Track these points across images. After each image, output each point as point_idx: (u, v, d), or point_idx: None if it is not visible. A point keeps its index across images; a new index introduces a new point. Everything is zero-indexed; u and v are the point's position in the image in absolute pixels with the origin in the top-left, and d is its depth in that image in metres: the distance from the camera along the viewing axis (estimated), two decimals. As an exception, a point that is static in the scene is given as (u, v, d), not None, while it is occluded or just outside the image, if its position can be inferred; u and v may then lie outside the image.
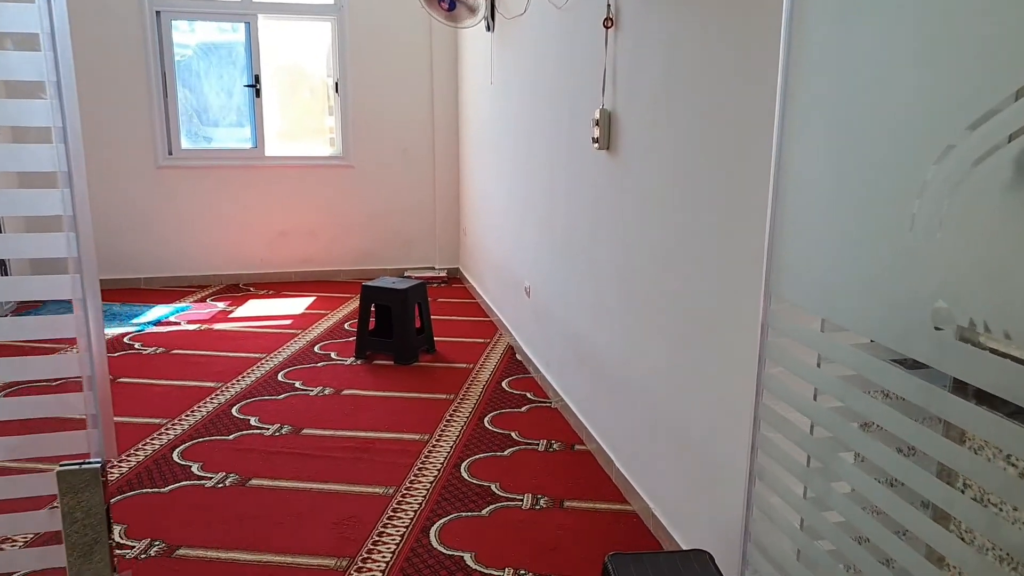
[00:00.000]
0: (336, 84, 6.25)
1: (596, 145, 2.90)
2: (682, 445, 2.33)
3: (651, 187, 2.49)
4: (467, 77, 5.96)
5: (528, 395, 3.82)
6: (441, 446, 3.21)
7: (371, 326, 4.56)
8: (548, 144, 3.75)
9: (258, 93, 6.09)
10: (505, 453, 3.14)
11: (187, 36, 6.05)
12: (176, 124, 6.04)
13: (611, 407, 2.95)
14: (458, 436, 3.31)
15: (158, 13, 5.83)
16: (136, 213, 6.05)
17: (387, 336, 4.44)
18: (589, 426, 3.21)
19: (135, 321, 5.13)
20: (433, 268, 6.65)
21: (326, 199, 6.39)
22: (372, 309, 4.47)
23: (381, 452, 3.16)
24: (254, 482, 2.90)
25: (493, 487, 2.85)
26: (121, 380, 4.00)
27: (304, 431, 3.38)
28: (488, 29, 4.95)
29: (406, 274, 6.46)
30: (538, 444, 3.23)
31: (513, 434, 3.33)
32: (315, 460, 3.09)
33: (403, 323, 4.33)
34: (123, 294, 5.86)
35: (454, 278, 6.61)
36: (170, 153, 6.06)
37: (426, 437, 3.31)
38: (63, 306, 5.39)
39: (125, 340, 4.69)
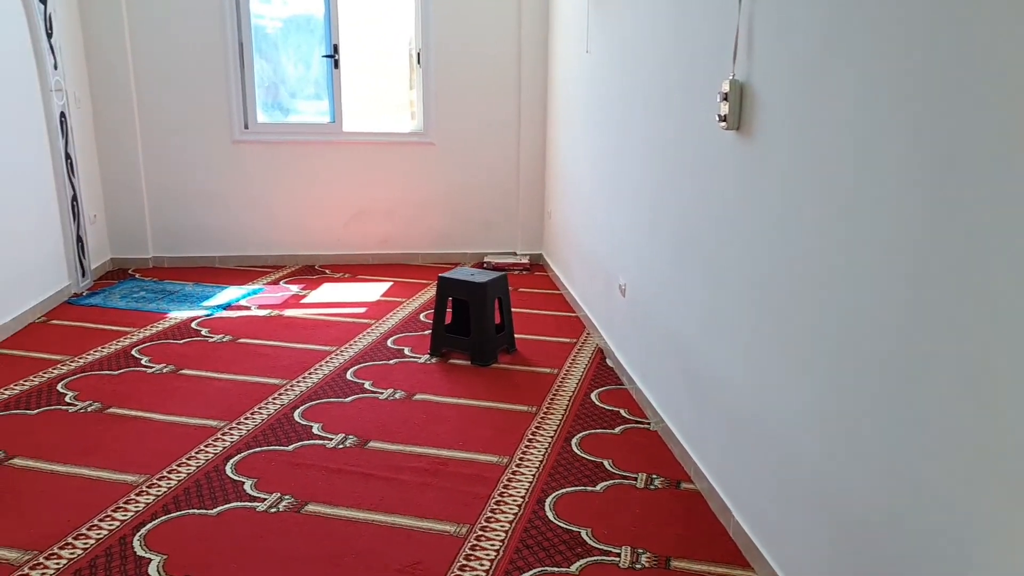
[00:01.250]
0: (419, 56, 5.85)
1: (723, 124, 2.39)
2: (838, 521, 1.83)
3: (806, 181, 1.97)
4: (559, 46, 5.46)
5: (622, 412, 3.35)
6: (522, 474, 2.79)
7: (448, 319, 4.17)
8: (654, 121, 3.24)
9: (336, 64, 5.75)
10: (597, 488, 2.70)
11: (265, 7, 5.76)
12: (253, 97, 5.77)
13: (729, 443, 2.46)
14: (542, 462, 2.88)
15: (236, -20, 5.54)
16: (212, 189, 5.83)
17: (464, 333, 4.05)
18: (698, 460, 2.72)
19: (205, 304, 4.90)
20: (515, 254, 6.23)
21: (405, 177, 6.03)
22: (449, 302, 4.08)
23: (453, 477, 2.77)
24: (310, 508, 2.55)
25: (584, 534, 2.41)
26: (183, 372, 3.74)
27: (370, 444, 3.01)
28: (585, -7, 4.44)
29: (486, 260, 6.05)
30: (636, 479, 2.76)
31: (606, 463, 2.87)
32: (380, 483, 2.72)
33: (481, 320, 3.92)
34: (198, 273, 5.67)
35: (537, 265, 6.16)
36: (246, 127, 5.80)
37: (505, 460, 2.89)
38: (137, 285, 5.22)
39: (192, 326, 4.46)
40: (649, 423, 3.23)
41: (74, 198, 5.08)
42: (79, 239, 5.14)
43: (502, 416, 3.31)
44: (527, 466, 2.85)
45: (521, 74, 5.90)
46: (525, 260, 6.08)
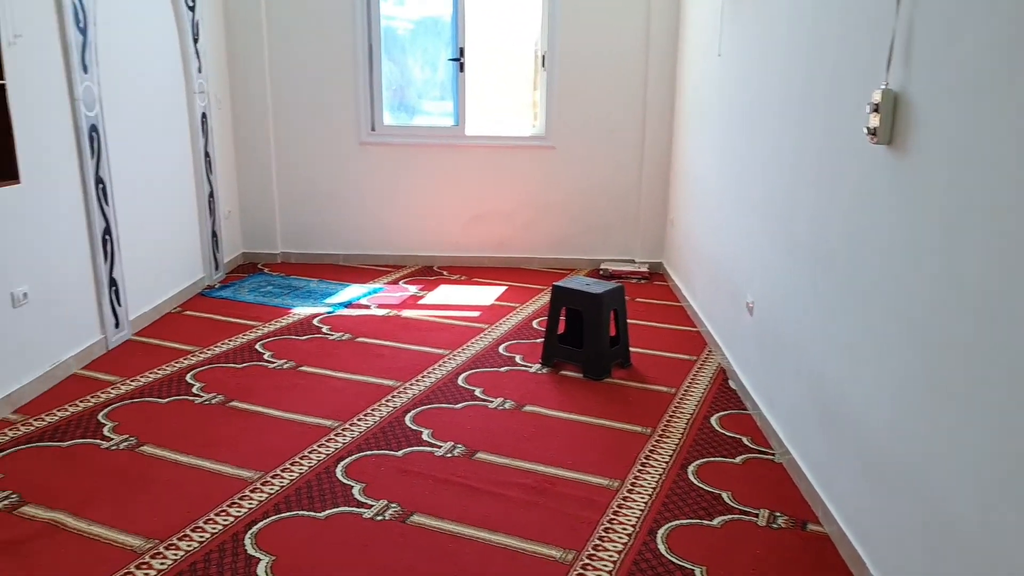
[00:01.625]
0: (543, 58, 5.79)
1: (871, 138, 2.17)
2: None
3: (977, 207, 1.74)
4: (689, 48, 5.26)
5: (744, 440, 3.15)
6: (633, 500, 2.66)
7: (561, 329, 4.09)
8: (791, 131, 3.02)
9: (462, 67, 5.78)
10: (714, 523, 2.53)
11: (395, 9, 5.85)
12: (380, 100, 5.89)
13: (866, 487, 2.24)
14: (655, 489, 2.74)
15: (369, -16, 5.66)
16: (338, 189, 6.00)
17: (577, 344, 3.94)
18: (827, 500, 2.50)
19: (327, 301, 5.03)
20: (633, 262, 6.06)
21: (525, 181, 5.99)
22: (562, 311, 3.99)
23: (561, 498, 2.67)
24: (416, 519, 2.52)
25: (699, 573, 2.26)
26: (302, 368, 3.83)
27: (478, 455, 2.97)
28: (719, -7, 4.24)
29: (603, 267, 5.92)
30: (758, 515, 2.58)
31: (725, 495, 2.70)
32: (486, 498, 2.66)
33: (596, 332, 3.81)
34: (322, 270, 5.84)
35: (656, 274, 5.97)
36: (373, 129, 5.93)
37: (616, 484, 2.77)
38: (265, 279, 5.43)
39: (314, 323, 4.58)
40: (774, 454, 3.01)
41: (211, 195, 5.34)
42: (214, 234, 5.40)
43: (614, 435, 3.18)
44: (639, 492, 2.71)
45: (648, 77, 5.73)
46: (644, 269, 5.90)
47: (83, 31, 3.78)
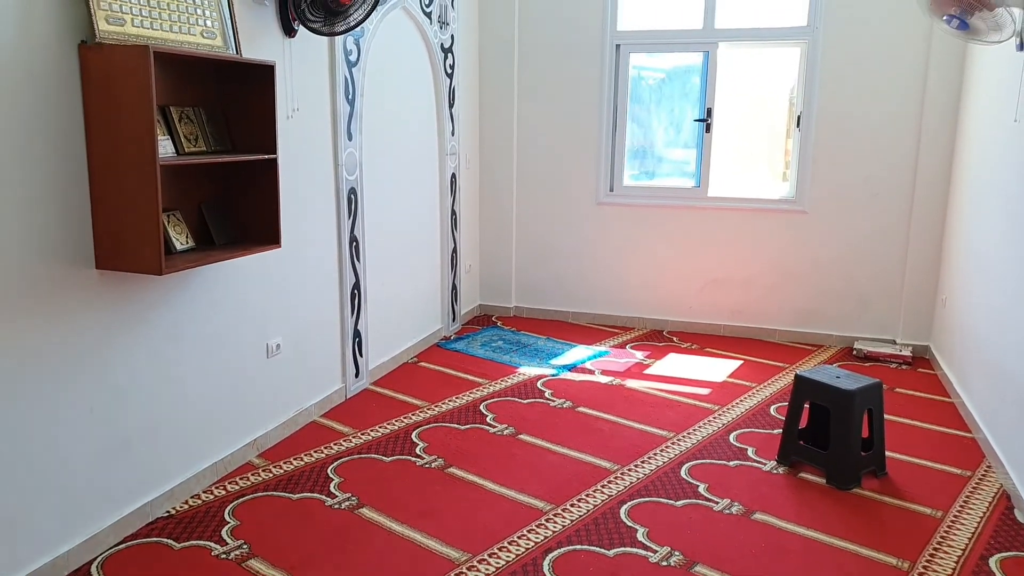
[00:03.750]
0: (799, 118, 5.37)
1: None
2: None
3: None
4: (974, 109, 4.58)
5: (1034, 599, 2.56)
6: (883, 660, 2.23)
7: (803, 423, 3.65)
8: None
9: (708, 128, 5.54)
10: None
11: (645, 59, 5.77)
12: (622, 161, 5.82)
13: None
14: (911, 650, 2.28)
15: (618, 47, 5.65)
16: (573, 247, 5.99)
17: (822, 443, 3.49)
18: None
19: (553, 362, 4.99)
20: (894, 343, 5.36)
21: (769, 246, 5.57)
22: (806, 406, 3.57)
23: (792, 639, 2.31)
24: (622, 637, 2.31)
25: None
26: (521, 437, 3.79)
27: (696, 567, 2.69)
28: (1020, 48, 3.62)
29: (857, 346, 5.29)
30: None
31: (1006, 676, 2.18)
32: (702, 624, 2.38)
33: (844, 434, 3.34)
34: (552, 327, 5.84)
35: (921, 358, 5.22)
36: (611, 190, 5.86)
37: (861, 633, 2.35)
38: (497, 333, 5.52)
39: (538, 385, 4.54)
40: (1076, 627, 2.40)
41: (454, 250, 5.57)
42: (454, 287, 5.62)
43: (861, 565, 2.73)
44: (890, 651, 2.28)
45: (920, 140, 5.08)
46: (907, 353, 5.18)
47: (351, 102, 4.11)
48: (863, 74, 5.15)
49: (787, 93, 5.58)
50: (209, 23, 2.98)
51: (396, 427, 3.88)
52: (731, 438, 3.84)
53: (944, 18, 3.75)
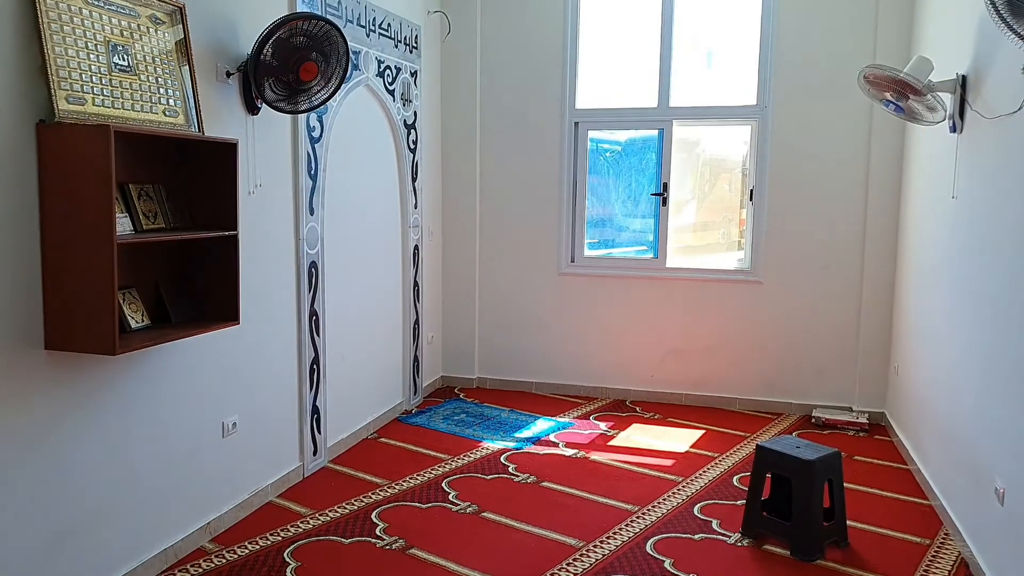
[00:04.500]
0: (751, 192, 5.55)
1: None
2: None
3: None
4: (915, 186, 4.79)
5: (998, 674, 2.55)
6: None
7: (766, 493, 3.66)
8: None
9: (664, 201, 5.69)
10: None
11: (602, 132, 5.94)
12: (582, 232, 5.92)
13: None
14: None
15: (576, 124, 5.82)
16: (536, 317, 6.02)
17: (785, 514, 3.49)
18: None
19: (517, 435, 4.95)
20: (850, 410, 5.43)
21: (727, 316, 5.66)
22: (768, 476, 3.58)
23: None
24: None
25: None
26: (484, 515, 3.72)
27: (663, 648, 2.63)
28: (953, 130, 3.82)
29: (815, 414, 5.36)
30: None
31: None
32: None
33: (806, 504, 3.36)
34: (515, 398, 5.81)
35: (878, 425, 5.30)
36: (573, 260, 5.95)
37: None
38: (459, 406, 5.47)
39: (502, 460, 4.49)
40: None
41: (416, 321, 5.56)
42: (416, 359, 5.58)
43: (827, 641, 2.71)
44: None
45: (867, 213, 5.28)
46: (863, 420, 5.26)
47: (313, 177, 4.14)
48: (811, 150, 5.37)
49: (740, 164, 5.77)
50: (171, 101, 3.01)
51: (355, 507, 3.78)
52: (695, 510, 3.83)
53: (883, 102, 3.96)
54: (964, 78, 3.67)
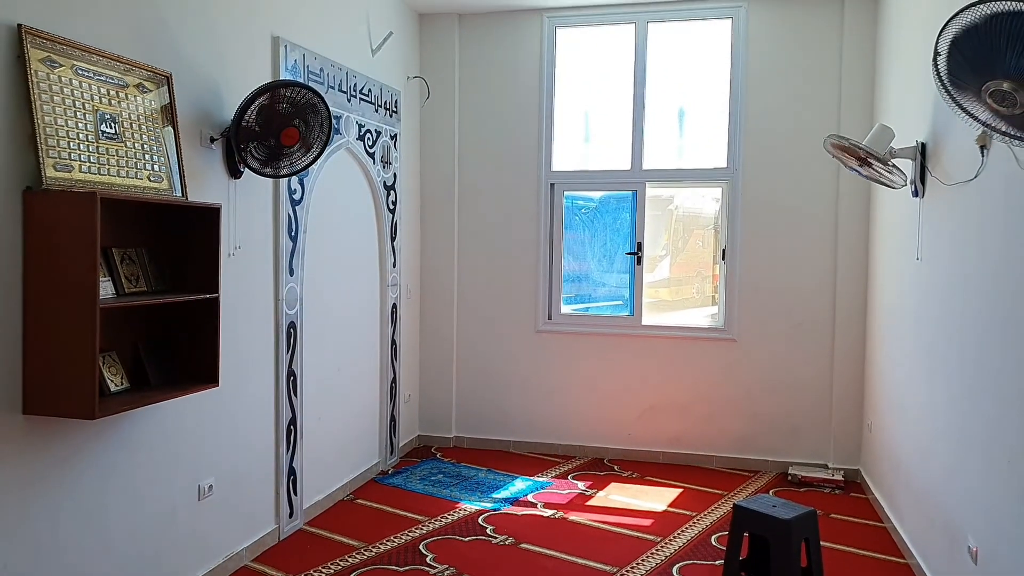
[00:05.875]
0: (723, 252, 5.68)
1: None
2: None
3: None
4: (882, 247, 4.94)
5: None
6: None
7: (743, 553, 3.66)
8: (1017, 346, 2.64)
9: (639, 260, 5.80)
10: None
11: (579, 192, 6.07)
12: (559, 290, 6.00)
13: None
14: None
15: (552, 185, 5.95)
16: (513, 375, 6.04)
17: (763, 574, 3.50)
18: None
19: (495, 496, 4.92)
20: (826, 467, 5.48)
21: (702, 374, 5.73)
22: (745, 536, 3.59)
23: None
24: None
25: None
26: (462, 578, 3.68)
27: None
28: (916, 195, 3.98)
29: (792, 472, 5.40)
30: None
31: None
32: None
33: (784, 564, 3.36)
34: (493, 457, 5.78)
35: (853, 482, 5.34)
36: (550, 318, 6.01)
37: None
38: (436, 466, 5.43)
39: (480, 521, 4.46)
40: None
41: (394, 380, 5.55)
42: (392, 419, 5.56)
43: None
44: None
45: (837, 273, 5.43)
46: (839, 477, 5.31)
47: (294, 238, 4.19)
48: (781, 211, 5.53)
49: (712, 220, 5.92)
50: (156, 167, 3.06)
51: (331, 571, 3.73)
52: (674, 571, 3.82)
53: (849, 168, 4.13)
54: (924, 146, 3.85)
